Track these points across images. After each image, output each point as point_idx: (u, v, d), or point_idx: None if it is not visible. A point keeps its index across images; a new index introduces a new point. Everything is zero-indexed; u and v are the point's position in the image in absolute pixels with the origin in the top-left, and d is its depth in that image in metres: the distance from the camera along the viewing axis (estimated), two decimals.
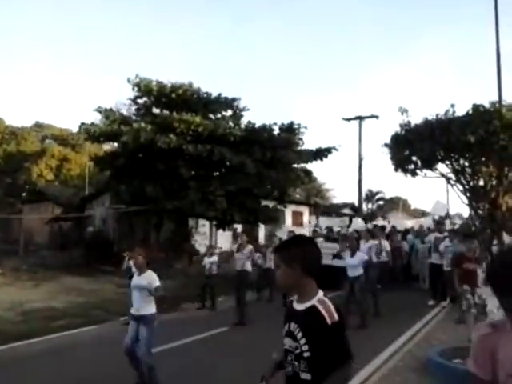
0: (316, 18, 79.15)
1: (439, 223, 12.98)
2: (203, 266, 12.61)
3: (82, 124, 19.49)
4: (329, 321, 2.20)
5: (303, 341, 2.26)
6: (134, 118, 20.62)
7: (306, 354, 2.25)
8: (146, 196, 17.87)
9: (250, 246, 11.12)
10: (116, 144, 21.70)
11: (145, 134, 17.24)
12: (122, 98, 31.46)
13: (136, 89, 19.90)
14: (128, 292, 10.72)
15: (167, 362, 6.79)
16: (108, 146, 32.52)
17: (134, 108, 21.54)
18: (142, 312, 6.08)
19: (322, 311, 2.23)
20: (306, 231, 19.27)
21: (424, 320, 9.88)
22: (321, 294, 2.34)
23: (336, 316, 2.22)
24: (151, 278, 6.15)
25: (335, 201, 46.09)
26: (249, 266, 10.86)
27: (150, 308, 6.16)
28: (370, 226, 18.36)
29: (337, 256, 10.78)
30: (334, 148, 19.95)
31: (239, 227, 21.75)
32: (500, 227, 11.21)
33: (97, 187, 28.90)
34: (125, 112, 21.47)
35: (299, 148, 19.89)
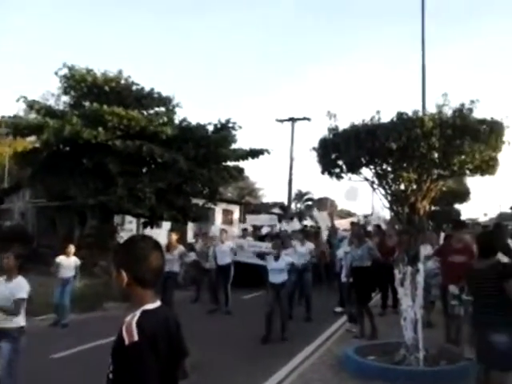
0: (253, 20, 79.75)
1: (353, 224, 12.81)
2: None
3: (3, 117, 18.37)
4: (127, 341, 1.85)
5: (110, 359, 1.94)
6: (62, 109, 19.70)
7: (111, 376, 1.93)
8: (69, 192, 17.12)
9: (181, 247, 10.71)
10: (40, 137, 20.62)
11: (70, 127, 16.41)
12: (50, 89, 29.89)
13: (64, 80, 18.98)
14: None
15: (85, 361, 6.56)
16: (32, 138, 30.88)
17: (62, 100, 20.59)
18: (5, 325, 4.78)
19: (124, 329, 1.88)
20: (235, 229, 19.34)
21: (342, 319, 10.03)
22: (145, 307, 1.96)
23: (135, 336, 1.84)
24: (18, 287, 5.00)
25: (265, 200, 46.64)
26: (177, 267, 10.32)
27: (18, 319, 4.85)
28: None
29: (260, 256, 10.22)
30: (267, 151, 20.34)
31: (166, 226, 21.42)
32: (418, 231, 11.84)
33: (17, 179, 27.37)
34: (53, 103, 20.47)
35: (233, 146, 19.93)
